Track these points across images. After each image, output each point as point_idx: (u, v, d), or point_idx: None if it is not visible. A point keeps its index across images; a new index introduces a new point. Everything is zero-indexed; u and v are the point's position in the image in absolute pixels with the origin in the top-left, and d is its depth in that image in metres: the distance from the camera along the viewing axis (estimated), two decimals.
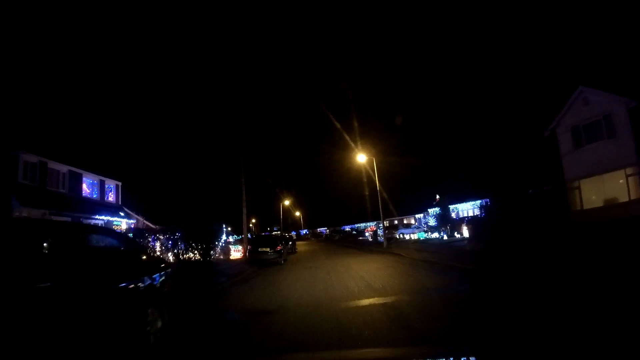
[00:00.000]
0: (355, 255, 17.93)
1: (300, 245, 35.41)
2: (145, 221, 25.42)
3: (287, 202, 56.81)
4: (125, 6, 53.56)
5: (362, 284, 8.26)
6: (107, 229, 11.62)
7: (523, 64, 44.87)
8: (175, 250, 17.34)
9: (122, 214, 23.90)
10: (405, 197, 44.94)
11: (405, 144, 62.03)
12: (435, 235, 28.80)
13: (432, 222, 31.01)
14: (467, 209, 30.93)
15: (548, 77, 36.96)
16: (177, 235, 17.53)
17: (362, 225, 59.27)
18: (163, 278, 4.72)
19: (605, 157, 15.88)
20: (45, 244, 2.96)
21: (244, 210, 22.01)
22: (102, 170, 23.69)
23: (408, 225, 38.60)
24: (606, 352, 2.08)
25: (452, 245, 18.69)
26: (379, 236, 33.94)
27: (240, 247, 21.70)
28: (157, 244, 18.04)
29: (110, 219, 22.22)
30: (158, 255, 13.34)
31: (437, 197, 36.63)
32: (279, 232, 44.40)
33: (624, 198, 15.44)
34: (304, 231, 79.94)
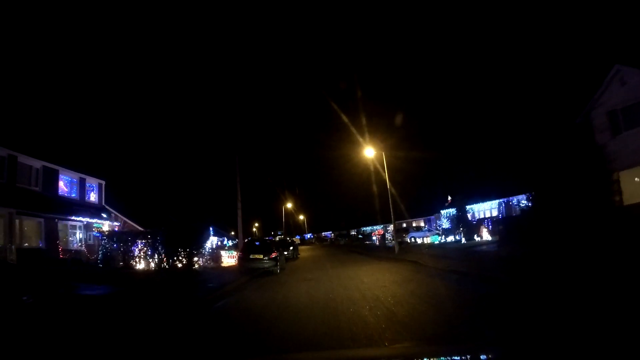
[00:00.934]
0: (364, 263, 15.45)
1: (304, 251, 33.50)
2: (132, 223, 23.18)
3: (290, 206, 54.71)
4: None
5: (380, 310, 5.79)
6: None
7: (547, 42, 38.02)
8: (156, 257, 15.02)
9: (104, 215, 21.70)
10: (415, 198, 42.37)
11: (415, 139, 58.45)
12: (451, 238, 26.64)
13: (446, 224, 28.89)
14: (485, 209, 28.30)
15: (577, 54, 31.48)
16: (158, 240, 15.23)
17: (369, 228, 56.61)
18: None
19: None
20: None
21: (239, 212, 20.31)
22: (83, 167, 21.57)
23: (419, 228, 36.32)
24: None
25: (476, 250, 16.54)
26: (388, 240, 31.71)
27: (235, 253, 19.71)
28: (136, 250, 15.79)
29: (90, 220, 20.03)
30: None
31: (449, 198, 34.32)
32: (282, 237, 42.28)
33: None
34: (309, 235, 78.21)
